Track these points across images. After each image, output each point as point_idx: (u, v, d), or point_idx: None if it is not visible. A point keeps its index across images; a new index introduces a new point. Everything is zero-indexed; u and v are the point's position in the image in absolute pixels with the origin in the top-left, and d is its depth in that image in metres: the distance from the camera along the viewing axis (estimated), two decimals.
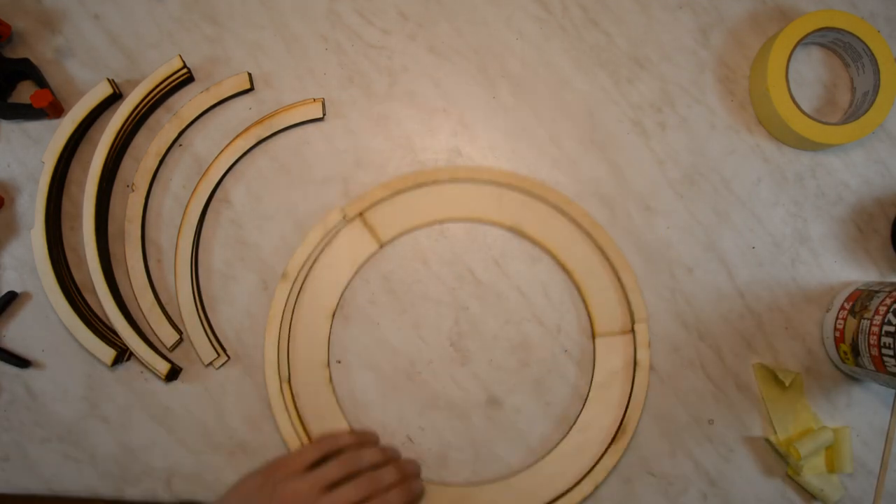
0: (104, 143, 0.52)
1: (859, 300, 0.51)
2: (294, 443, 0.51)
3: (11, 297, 0.53)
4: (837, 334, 0.52)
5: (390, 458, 0.50)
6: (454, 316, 0.54)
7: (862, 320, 0.49)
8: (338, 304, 0.53)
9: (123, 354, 0.52)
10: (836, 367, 0.55)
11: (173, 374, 0.52)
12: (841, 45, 0.56)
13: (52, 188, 0.52)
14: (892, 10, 0.57)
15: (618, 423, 0.52)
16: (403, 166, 0.55)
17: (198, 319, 0.52)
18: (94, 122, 0.55)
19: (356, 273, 0.54)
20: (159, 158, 0.54)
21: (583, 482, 0.51)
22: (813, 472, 0.53)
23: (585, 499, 0.51)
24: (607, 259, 0.54)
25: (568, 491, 0.51)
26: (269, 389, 0.52)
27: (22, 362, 0.52)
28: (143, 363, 0.51)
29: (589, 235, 0.54)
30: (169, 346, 0.52)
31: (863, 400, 0.55)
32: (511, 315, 0.54)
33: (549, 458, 0.52)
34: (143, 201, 0.53)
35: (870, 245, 0.56)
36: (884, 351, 0.47)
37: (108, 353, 0.51)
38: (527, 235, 0.54)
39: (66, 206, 0.54)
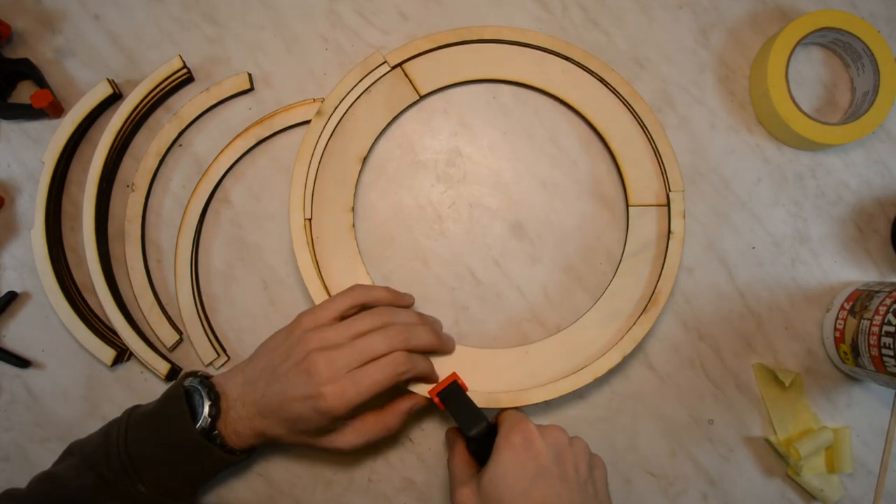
0: (104, 143, 0.52)
1: (859, 300, 0.51)
2: (315, 288, 0.50)
3: (11, 297, 0.53)
4: (837, 334, 0.52)
5: (426, 321, 0.48)
6: (454, 316, 0.54)
7: (862, 320, 0.49)
8: (369, 151, 0.53)
9: (123, 354, 0.52)
10: (835, 367, 0.55)
11: (173, 374, 0.52)
12: (841, 45, 0.56)
13: (52, 188, 0.52)
14: (892, 10, 0.57)
15: (650, 294, 0.51)
16: (403, 166, 0.55)
17: (198, 319, 0.52)
18: (94, 122, 0.55)
19: (393, 121, 0.53)
20: (159, 158, 0.54)
21: (611, 352, 0.50)
22: (813, 472, 0.53)
23: (612, 370, 0.50)
24: (645, 129, 0.53)
25: (594, 361, 0.50)
26: (291, 225, 0.50)
27: (22, 362, 0.52)
28: (143, 363, 0.51)
29: (628, 105, 0.53)
30: (169, 346, 0.52)
31: (863, 400, 0.55)
32: (511, 315, 0.54)
33: (578, 324, 0.51)
34: (143, 201, 0.53)
35: (870, 245, 0.56)
36: (884, 351, 0.47)
37: (108, 353, 0.51)
38: (567, 103, 0.54)
39: (66, 206, 0.54)
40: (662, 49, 0.57)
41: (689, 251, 0.55)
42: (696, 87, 0.56)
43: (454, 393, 0.46)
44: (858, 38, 0.53)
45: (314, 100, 0.54)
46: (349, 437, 0.45)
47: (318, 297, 0.50)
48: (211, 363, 0.52)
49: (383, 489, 0.53)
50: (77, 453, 0.44)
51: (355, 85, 0.53)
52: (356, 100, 0.53)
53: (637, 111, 0.53)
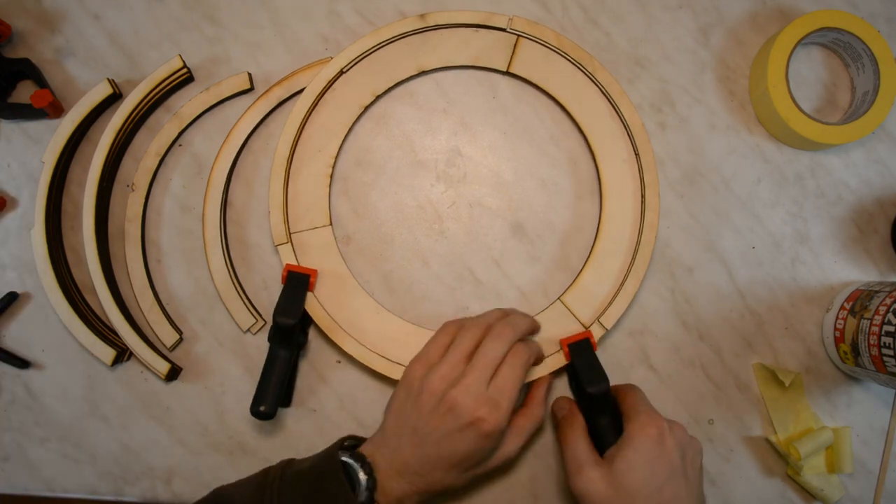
0: (104, 143, 0.52)
1: (859, 300, 0.51)
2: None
3: (12, 297, 0.53)
4: (837, 334, 0.52)
5: (507, 312, 0.49)
6: (454, 316, 0.54)
7: (862, 320, 0.49)
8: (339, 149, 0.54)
9: (123, 354, 0.52)
10: (836, 367, 0.55)
11: (173, 374, 0.52)
12: (841, 45, 0.56)
13: (52, 188, 0.52)
14: (892, 10, 0.57)
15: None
16: (403, 166, 0.55)
17: (232, 287, 0.52)
18: (94, 122, 0.55)
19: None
20: (159, 158, 0.54)
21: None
22: (813, 472, 0.53)
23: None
24: (610, 100, 0.54)
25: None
26: (273, 166, 0.52)
27: (22, 363, 0.52)
28: (143, 363, 0.51)
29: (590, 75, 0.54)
30: (169, 346, 0.52)
31: (863, 400, 0.55)
32: None
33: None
34: (142, 201, 0.53)
35: (870, 245, 0.56)
36: (884, 351, 0.47)
37: (108, 353, 0.51)
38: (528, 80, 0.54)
39: (66, 206, 0.54)
40: (662, 49, 0.57)
41: (689, 251, 0.55)
42: (696, 87, 0.56)
43: (584, 349, 0.48)
44: (858, 38, 0.53)
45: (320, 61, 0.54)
46: (511, 444, 0.46)
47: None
48: (249, 329, 0.53)
49: None
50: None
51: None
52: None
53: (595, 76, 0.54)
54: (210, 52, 0.55)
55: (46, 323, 0.53)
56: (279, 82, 0.54)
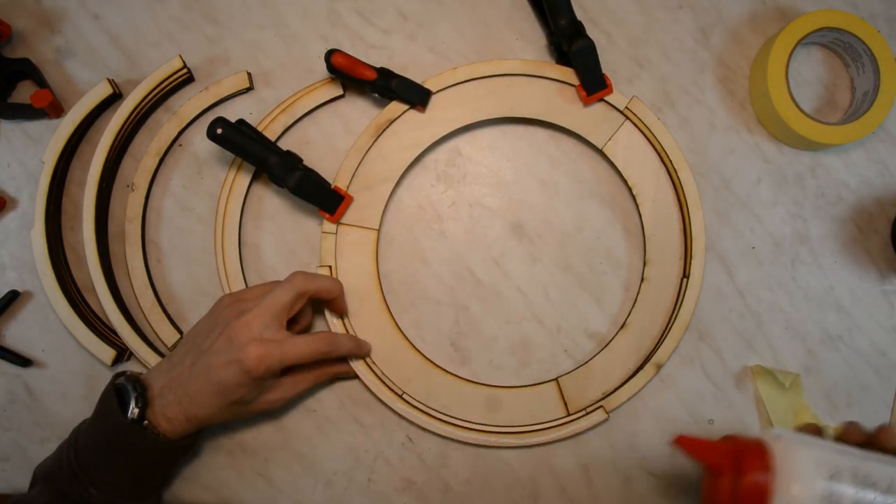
0: (104, 143, 0.52)
1: None
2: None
3: (13, 296, 0.53)
4: None
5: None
6: (454, 316, 0.54)
7: None
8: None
9: (123, 354, 0.52)
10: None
11: None
12: (841, 45, 0.56)
13: (52, 188, 0.52)
14: (892, 11, 0.57)
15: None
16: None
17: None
18: (94, 122, 0.55)
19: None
20: (159, 157, 0.54)
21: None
22: None
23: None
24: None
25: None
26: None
27: (23, 361, 0.52)
28: (142, 363, 0.51)
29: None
30: (170, 346, 0.52)
31: (863, 400, 0.55)
32: (511, 315, 0.54)
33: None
34: (143, 201, 0.53)
35: (870, 245, 0.56)
36: None
37: (108, 353, 0.51)
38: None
39: (66, 206, 0.54)
40: (662, 49, 0.57)
41: None
42: (696, 87, 0.56)
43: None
44: (858, 38, 0.53)
45: (331, 78, 0.54)
46: (275, 393, 0.47)
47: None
48: None
49: (383, 489, 0.53)
50: (38, 475, 0.45)
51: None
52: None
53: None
54: (210, 52, 0.55)
55: (46, 323, 0.53)
56: (284, 108, 0.54)
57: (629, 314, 0.53)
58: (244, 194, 0.53)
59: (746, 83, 0.57)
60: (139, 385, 0.45)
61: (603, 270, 0.55)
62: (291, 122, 0.54)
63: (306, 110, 0.54)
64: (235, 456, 0.53)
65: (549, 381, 0.53)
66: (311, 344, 0.46)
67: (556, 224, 0.55)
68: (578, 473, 0.54)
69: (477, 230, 0.55)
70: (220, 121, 0.48)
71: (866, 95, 0.54)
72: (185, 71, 0.54)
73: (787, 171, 0.56)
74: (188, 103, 0.54)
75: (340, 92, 0.54)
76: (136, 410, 0.44)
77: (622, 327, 0.53)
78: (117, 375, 0.46)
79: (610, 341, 0.53)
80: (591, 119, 0.54)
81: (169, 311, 0.53)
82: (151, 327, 0.52)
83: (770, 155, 0.56)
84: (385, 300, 0.53)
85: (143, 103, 0.53)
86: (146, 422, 0.44)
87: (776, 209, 0.56)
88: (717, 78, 0.57)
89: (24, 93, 0.55)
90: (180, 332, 0.53)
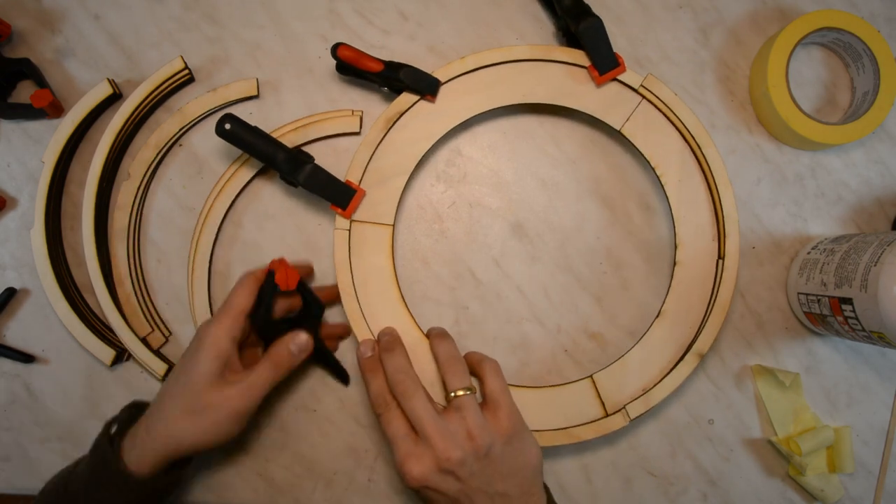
0: (104, 144, 0.52)
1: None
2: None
3: (10, 293, 0.53)
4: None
5: None
6: (454, 316, 0.54)
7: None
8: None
9: (123, 354, 0.52)
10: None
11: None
12: (841, 45, 0.56)
13: (52, 188, 0.52)
14: (892, 10, 0.57)
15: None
16: None
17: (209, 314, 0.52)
18: (94, 122, 0.55)
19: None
20: (157, 150, 0.53)
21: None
22: (813, 472, 0.53)
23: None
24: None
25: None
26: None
27: (26, 357, 0.52)
28: (141, 364, 0.51)
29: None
30: (143, 335, 0.52)
31: (863, 400, 0.55)
32: (511, 315, 0.54)
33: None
34: (135, 190, 0.53)
35: None
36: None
37: (107, 353, 0.51)
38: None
39: (66, 205, 0.54)
40: (662, 49, 0.57)
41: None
42: (696, 87, 0.56)
43: None
44: (858, 38, 0.53)
45: (353, 112, 0.54)
46: (236, 398, 0.44)
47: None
48: None
49: (383, 489, 0.53)
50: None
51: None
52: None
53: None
54: (210, 52, 0.55)
55: (46, 323, 0.53)
56: (296, 127, 0.53)
57: (664, 301, 0.51)
58: (234, 195, 0.53)
59: (746, 83, 0.57)
60: (135, 408, 0.46)
61: (603, 270, 0.55)
62: (302, 141, 0.53)
63: (320, 136, 0.53)
64: (235, 456, 0.53)
65: (584, 378, 0.50)
66: (281, 354, 0.46)
67: (556, 224, 0.55)
68: (578, 473, 0.54)
69: (477, 230, 0.55)
70: (230, 117, 0.47)
71: (866, 95, 0.54)
72: (186, 72, 0.54)
73: (787, 171, 0.56)
74: (193, 102, 0.54)
75: (356, 129, 0.54)
76: (114, 429, 0.45)
77: (658, 316, 0.51)
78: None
79: (645, 333, 0.51)
80: (605, 100, 0.52)
81: (169, 312, 0.53)
82: (125, 317, 0.52)
83: (770, 155, 0.56)
84: (403, 298, 0.50)
85: (144, 103, 0.53)
86: (120, 445, 0.43)
87: (776, 209, 0.56)
88: (717, 78, 0.57)
89: (24, 93, 0.55)
90: (169, 332, 0.53)
